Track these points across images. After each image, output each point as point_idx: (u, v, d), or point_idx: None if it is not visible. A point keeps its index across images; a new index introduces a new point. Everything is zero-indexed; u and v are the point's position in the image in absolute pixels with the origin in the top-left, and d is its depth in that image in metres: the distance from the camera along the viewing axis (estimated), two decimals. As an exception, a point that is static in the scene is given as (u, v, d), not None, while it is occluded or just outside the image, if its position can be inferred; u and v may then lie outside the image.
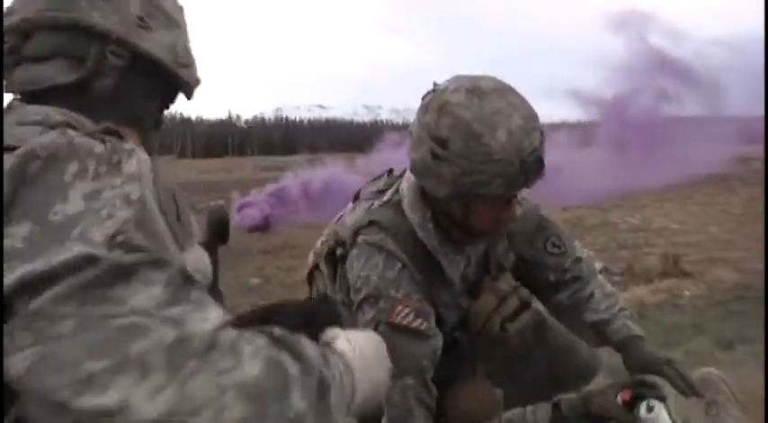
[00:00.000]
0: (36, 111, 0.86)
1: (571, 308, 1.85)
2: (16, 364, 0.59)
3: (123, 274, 0.63)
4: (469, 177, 1.44)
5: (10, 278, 0.62)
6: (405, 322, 1.55)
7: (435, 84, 1.55)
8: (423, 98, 1.54)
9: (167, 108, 1.08)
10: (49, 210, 0.66)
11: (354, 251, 1.62)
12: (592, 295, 1.83)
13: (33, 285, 0.62)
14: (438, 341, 1.61)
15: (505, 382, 2.05)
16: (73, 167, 0.70)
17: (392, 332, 1.55)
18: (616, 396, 1.58)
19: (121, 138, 0.78)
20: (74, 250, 0.63)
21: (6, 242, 0.64)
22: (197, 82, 1.06)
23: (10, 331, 0.60)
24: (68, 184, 0.69)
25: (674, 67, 22.80)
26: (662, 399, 1.57)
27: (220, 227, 0.99)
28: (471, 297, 1.73)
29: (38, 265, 0.62)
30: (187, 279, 0.68)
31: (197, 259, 0.78)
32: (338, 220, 1.79)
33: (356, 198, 1.82)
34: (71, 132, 0.73)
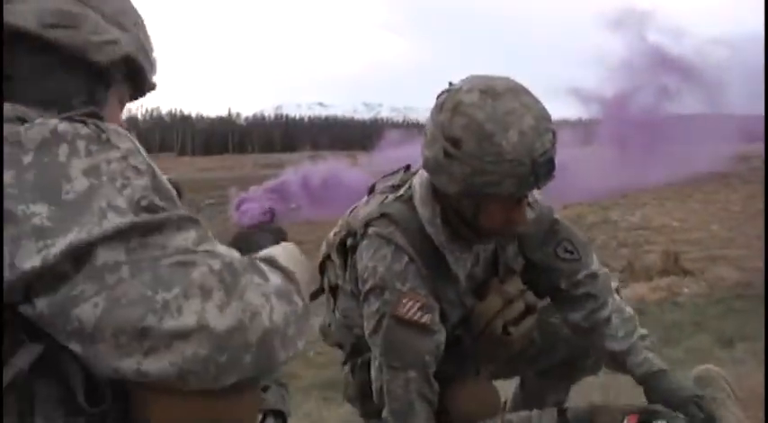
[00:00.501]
0: None
1: (588, 330, 1.79)
2: (87, 310, 0.68)
3: (156, 227, 0.72)
4: (480, 177, 1.45)
5: (55, 248, 0.68)
6: (410, 316, 1.56)
7: (451, 83, 1.55)
8: (437, 97, 1.54)
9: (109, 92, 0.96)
10: (60, 190, 0.70)
11: (364, 242, 1.63)
12: (609, 320, 1.77)
13: (81, 251, 0.68)
14: (441, 336, 1.61)
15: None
16: (64, 149, 0.73)
17: (397, 325, 1.56)
18: (623, 419, 1.56)
19: (101, 118, 0.81)
20: (109, 220, 0.70)
21: (36, 219, 0.69)
22: (84, 42, 0.91)
23: (72, 286, 0.68)
24: (64, 163, 0.72)
25: (674, 65, 22.79)
26: None
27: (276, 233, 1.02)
28: (477, 297, 1.72)
29: (81, 235, 0.68)
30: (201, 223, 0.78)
31: None
32: (351, 211, 1.78)
33: (371, 191, 1.82)
34: (52, 121, 0.75)
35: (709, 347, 4.74)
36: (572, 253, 1.77)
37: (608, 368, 1.95)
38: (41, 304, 0.69)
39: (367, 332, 1.63)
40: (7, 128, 0.77)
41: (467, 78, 1.53)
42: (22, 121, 0.83)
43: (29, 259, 0.68)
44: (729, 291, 7.13)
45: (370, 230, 1.62)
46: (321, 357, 5.34)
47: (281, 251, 0.98)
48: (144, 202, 0.73)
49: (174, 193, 0.79)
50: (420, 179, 1.65)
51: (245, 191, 22.26)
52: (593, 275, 1.80)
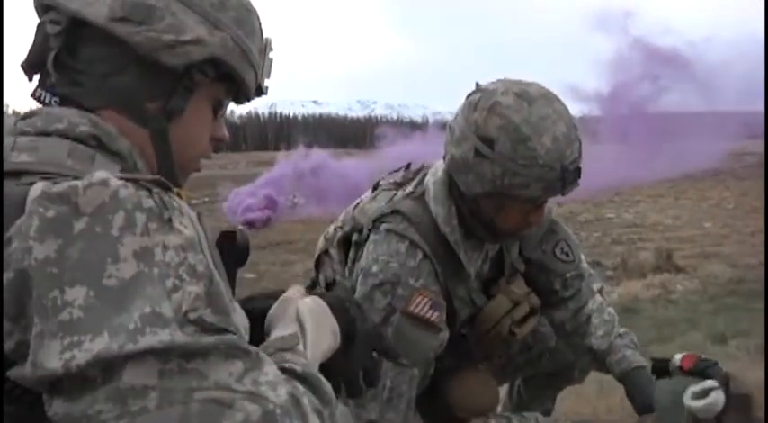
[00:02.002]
0: (59, 115, 0.80)
1: (571, 332, 1.84)
2: None
3: (200, 353, 0.64)
4: (510, 178, 1.47)
5: (82, 355, 0.61)
6: (421, 313, 1.55)
7: (478, 84, 1.57)
8: (468, 96, 1.56)
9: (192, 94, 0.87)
10: (102, 272, 0.63)
11: (375, 237, 1.61)
12: (589, 320, 1.83)
13: (111, 365, 0.61)
14: (446, 335, 1.62)
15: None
16: (119, 220, 0.65)
17: (407, 321, 1.55)
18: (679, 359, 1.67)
19: (170, 190, 0.72)
20: (147, 337, 0.62)
21: (66, 312, 0.62)
22: (153, 41, 0.82)
23: (92, 401, 0.61)
24: (116, 238, 0.64)
25: (668, 63, 22.93)
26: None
27: (239, 253, 0.93)
28: (486, 296, 1.73)
29: (112, 345, 0.61)
30: (249, 343, 0.69)
31: (242, 317, 0.75)
32: (356, 206, 1.77)
33: (375, 187, 1.80)
34: (114, 182, 0.67)
35: (703, 344, 4.76)
36: (568, 255, 1.80)
37: (589, 368, 1.99)
38: (58, 407, 0.62)
39: None
40: (64, 155, 0.74)
41: (498, 81, 1.56)
42: (98, 140, 0.80)
43: (50, 361, 0.61)
44: (722, 287, 7.17)
45: (382, 226, 1.62)
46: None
47: (315, 323, 0.88)
48: (193, 316, 0.65)
49: (227, 303, 0.69)
50: (434, 178, 1.65)
51: (237, 186, 22.19)
52: (581, 276, 1.84)
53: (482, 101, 1.50)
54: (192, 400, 0.62)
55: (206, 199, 21.98)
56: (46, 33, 0.83)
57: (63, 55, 0.83)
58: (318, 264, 1.84)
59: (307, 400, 0.70)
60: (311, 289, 1.89)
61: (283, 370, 0.73)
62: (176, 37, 0.83)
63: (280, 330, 0.85)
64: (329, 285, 1.80)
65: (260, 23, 0.93)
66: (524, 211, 1.56)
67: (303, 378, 0.74)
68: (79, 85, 0.83)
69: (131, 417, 0.60)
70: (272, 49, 0.96)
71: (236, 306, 0.74)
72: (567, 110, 1.52)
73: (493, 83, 1.56)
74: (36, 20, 0.87)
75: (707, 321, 5.63)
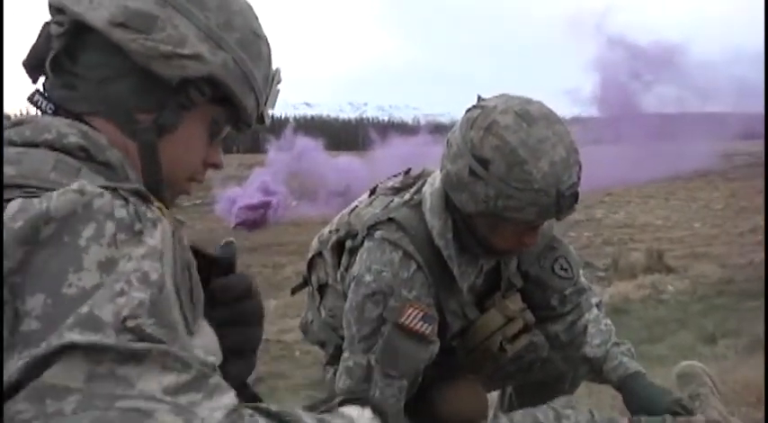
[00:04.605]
0: (47, 125, 0.79)
1: (566, 344, 1.81)
2: None
3: (133, 357, 0.61)
4: (504, 201, 1.44)
5: (22, 362, 0.59)
6: (413, 325, 1.54)
7: (480, 97, 1.54)
8: (467, 111, 1.52)
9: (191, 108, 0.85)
10: (63, 281, 0.61)
11: (369, 244, 1.59)
12: (585, 330, 1.81)
13: (37, 365, 0.59)
14: (436, 347, 1.59)
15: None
16: (89, 230, 0.63)
17: (398, 333, 1.54)
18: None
19: (149, 201, 0.70)
20: (79, 335, 0.59)
21: (25, 323, 0.60)
22: (149, 50, 0.80)
23: (11, 403, 0.58)
24: (83, 248, 0.63)
25: (657, 65, 23.10)
26: None
27: (227, 266, 0.92)
28: (479, 309, 1.71)
29: (42, 347, 0.59)
30: (204, 366, 0.65)
31: (208, 340, 0.72)
32: (352, 210, 1.74)
33: (372, 192, 1.77)
34: (90, 190, 0.65)
35: (692, 344, 4.80)
36: (566, 271, 1.78)
37: (585, 378, 1.97)
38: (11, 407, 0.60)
39: (358, 335, 1.60)
40: (49, 169, 0.73)
41: (500, 96, 1.52)
42: (86, 151, 0.78)
43: (10, 371, 0.59)
44: (712, 288, 7.20)
45: (377, 234, 1.59)
46: (308, 356, 5.33)
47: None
48: (131, 323, 0.61)
49: (174, 318, 0.65)
50: (431, 188, 1.62)
51: (230, 187, 22.14)
52: (580, 291, 1.82)
53: (480, 118, 1.47)
54: (112, 408, 0.58)
55: (198, 201, 21.87)
56: (48, 34, 0.83)
57: (62, 57, 0.83)
58: (311, 265, 1.83)
59: None
60: (299, 288, 1.89)
61: (258, 410, 0.68)
62: (174, 49, 0.81)
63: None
64: (321, 287, 1.79)
65: (269, 51, 0.92)
66: (519, 232, 1.53)
67: (276, 417, 0.69)
68: (73, 89, 0.83)
69: (45, 419, 0.57)
70: (280, 80, 0.95)
71: (206, 328, 0.72)
72: (568, 132, 1.48)
73: (494, 98, 1.52)
74: (34, 20, 0.88)
75: (697, 321, 5.66)
